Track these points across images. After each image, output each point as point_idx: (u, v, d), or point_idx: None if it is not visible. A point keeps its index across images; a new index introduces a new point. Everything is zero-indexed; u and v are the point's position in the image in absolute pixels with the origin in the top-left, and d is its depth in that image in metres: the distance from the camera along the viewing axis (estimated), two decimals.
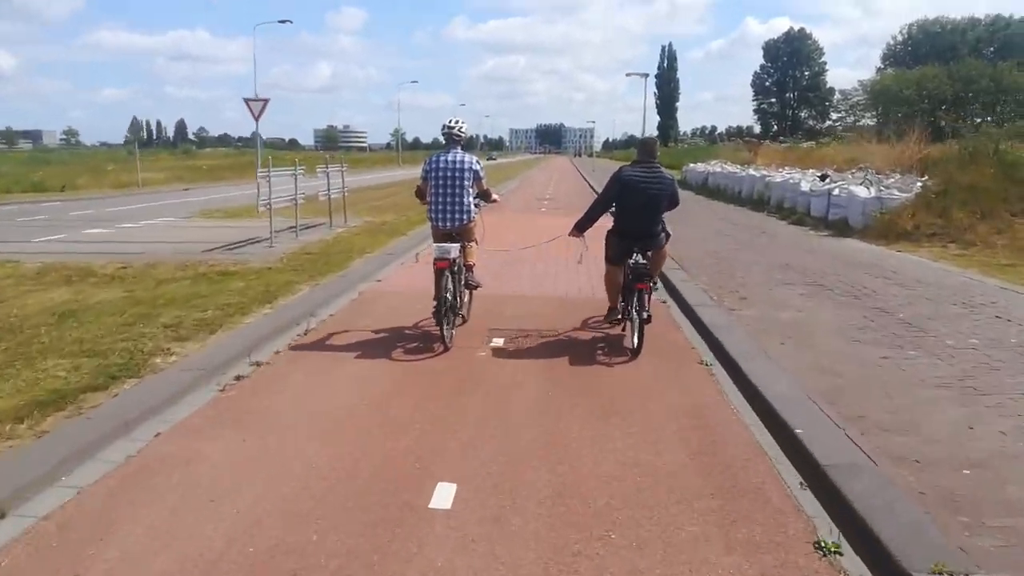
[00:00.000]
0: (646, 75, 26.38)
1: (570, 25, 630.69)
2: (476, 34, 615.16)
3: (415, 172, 54.14)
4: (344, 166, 17.03)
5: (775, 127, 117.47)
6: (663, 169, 6.79)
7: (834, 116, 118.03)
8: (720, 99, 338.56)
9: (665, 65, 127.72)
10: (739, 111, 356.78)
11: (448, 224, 6.84)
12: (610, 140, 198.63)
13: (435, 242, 6.76)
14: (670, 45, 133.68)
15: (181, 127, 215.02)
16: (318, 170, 15.64)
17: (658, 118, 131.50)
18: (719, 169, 27.49)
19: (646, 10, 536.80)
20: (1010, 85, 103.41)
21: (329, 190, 15.80)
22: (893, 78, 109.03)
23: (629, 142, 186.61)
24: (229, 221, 17.34)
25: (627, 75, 56.40)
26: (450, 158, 6.81)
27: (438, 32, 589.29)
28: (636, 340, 6.37)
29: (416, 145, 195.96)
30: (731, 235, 15.02)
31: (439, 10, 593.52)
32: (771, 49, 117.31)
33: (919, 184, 14.42)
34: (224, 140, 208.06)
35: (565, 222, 8.07)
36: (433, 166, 6.84)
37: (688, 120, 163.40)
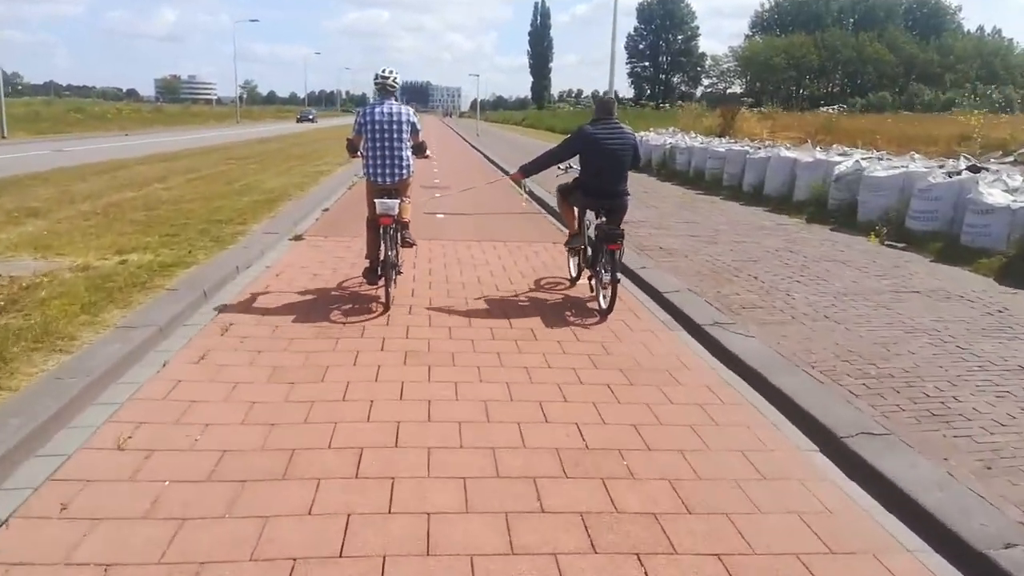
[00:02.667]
0: None
1: None
2: None
3: (253, 132, 37.92)
4: None
5: (648, 91, 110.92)
6: (623, 125, 6.38)
7: (705, 82, 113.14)
8: (584, 63, 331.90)
9: (539, 23, 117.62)
10: (602, 75, 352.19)
11: (388, 179, 6.24)
12: (480, 100, 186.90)
13: (372, 198, 6.20)
14: (543, 2, 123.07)
15: None
16: None
17: (531, 78, 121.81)
18: (697, 144, 17.63)
19: None
20: (871, 56, 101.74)
21: None
22: (763, 45, 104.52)
23: (497, 103, 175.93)
24: None
25: None
26: (386, 110, 6.17)
27: None
28: (608, 300, 6.05)
29: (271, 99, 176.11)
30: None
31: None
32: (644, 11, 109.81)
33: None
34: (49, 88, 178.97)
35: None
36: (368, 119, 6.17)
37: (554, 83, 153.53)
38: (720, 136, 19.52)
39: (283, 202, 12.05)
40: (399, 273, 6.54)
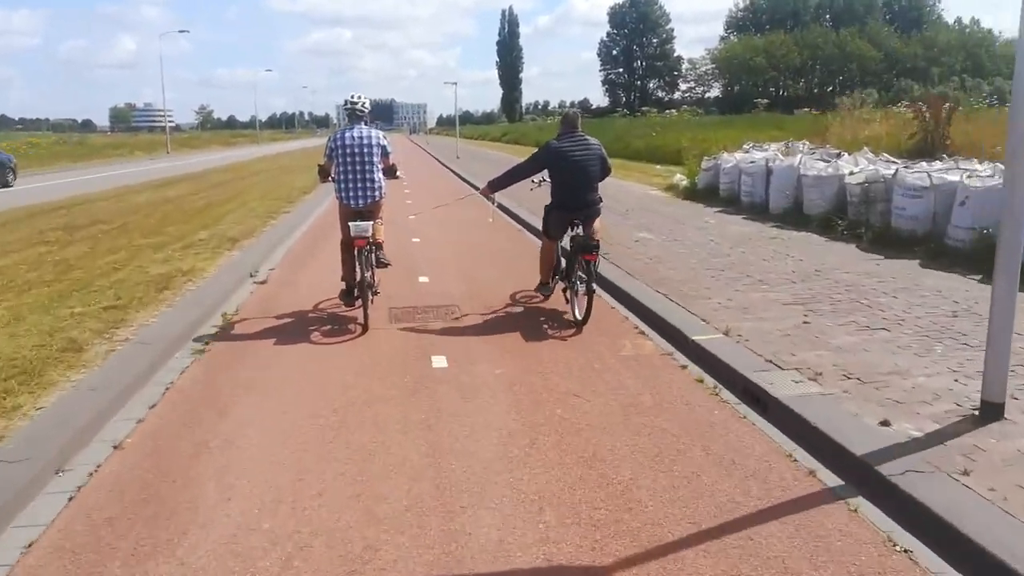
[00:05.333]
0: None
1: None
2: (296, 6, 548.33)
3: (175, 167, 27.77)
4: None
5: (624, 99, 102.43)
6: (588, 136, 6.26)
7: (683, 87, 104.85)
8: (546, 75, 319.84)
9: (507, 31, 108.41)
10: (566, 86, 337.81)
11: (360, 202, 6.15)
12: (444, 116, 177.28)
13: (345, 221, 6.07)
14: (511, 9, 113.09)
15: None
16: None
17: (500, 91, 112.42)
18: (967, 178, 8.24)
19: None
20: (853, 52, 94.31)
21: None
22: (742, 46, 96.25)
23: (464, 118, 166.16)
24: None
25: None
26: (356, 134, 6.12)
27: (256, 3, 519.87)
28: (584, 311, 5.85)
29: (232, 124, 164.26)
30: None
31: None
32: (617, 16, 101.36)
33: None
34: (1, 123, 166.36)
35: None
36: (338, 144, 6.11)
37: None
38: (926, 156, 10.39)
39: None
40: (376, 293, 6.40)
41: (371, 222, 6.02)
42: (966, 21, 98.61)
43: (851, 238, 9.10)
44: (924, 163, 9.20)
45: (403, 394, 4.58)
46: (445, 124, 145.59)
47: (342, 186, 6.14)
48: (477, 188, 7.35)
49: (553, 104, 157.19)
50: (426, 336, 5.86)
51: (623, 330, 5.99)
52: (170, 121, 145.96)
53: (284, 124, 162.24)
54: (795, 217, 10.60)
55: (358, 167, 6.09)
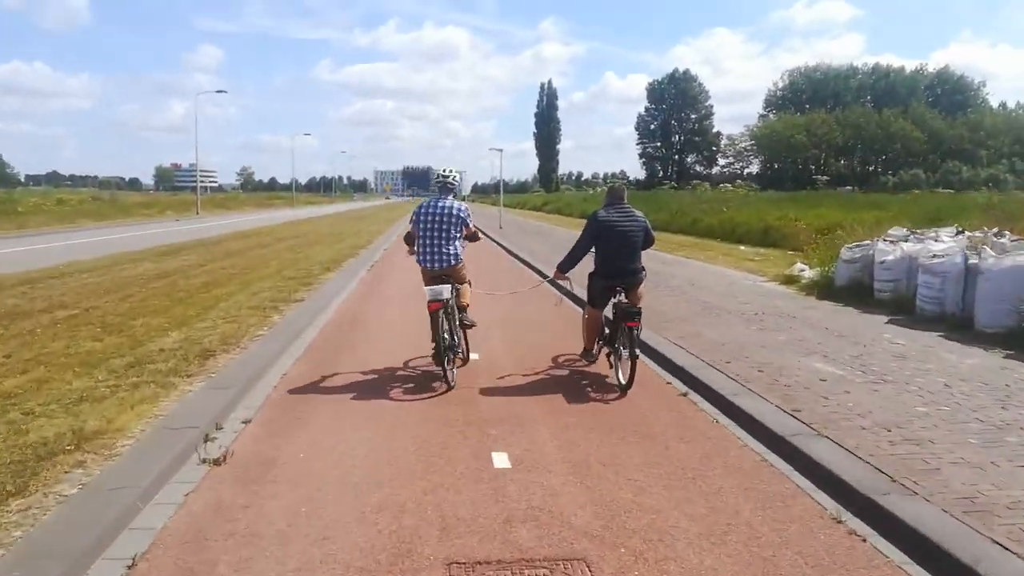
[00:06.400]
0: None
1: (438, 73, 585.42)
2: (342, 77, 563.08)
3: (195, 230, 26.76)
4: None
5: (660, 172, 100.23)
6: (634, 209, 6.42)
7: (721, 162, 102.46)
8: (579, 148, 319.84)
9: (545, 104, 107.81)
10: (599, 159, 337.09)
11: (435, 265, 6.39)
12: (478, 184, 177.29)
13: (426, 284, 6.34)
14: (549, 83, 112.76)
15: None
16: None
17: (537, 161, 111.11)
18: None
19: (512, 61, 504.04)
20: (897, 132, 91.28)
21: None
22: (782, 123, 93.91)
23: (497, 186, 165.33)
24: None
25: None
26: (440, 204, 6.40)
27: (302, 75, 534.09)
28: (627, 377, 5.91)
29: (272, 186, 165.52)
30: None
31: (302, 52, 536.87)
32: (656, 91, 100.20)
33: None
34: (51, 178, 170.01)
35: None
36: (421, 213, 6.45)
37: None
38: None
39: None
40: (456, 354, 6.43)
41: (447, 286, 6.19)
42: (1011, 105, 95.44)
43: None
44: None
45: None
46: (479, 192, 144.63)
47: (420, 250, 6.43)
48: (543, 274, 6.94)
49: (586, 175, 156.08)
50: None
51: None
52: (213, 182, 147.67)
53: (322, 188, 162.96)
54: None
55: (434, 234, 6.33)
